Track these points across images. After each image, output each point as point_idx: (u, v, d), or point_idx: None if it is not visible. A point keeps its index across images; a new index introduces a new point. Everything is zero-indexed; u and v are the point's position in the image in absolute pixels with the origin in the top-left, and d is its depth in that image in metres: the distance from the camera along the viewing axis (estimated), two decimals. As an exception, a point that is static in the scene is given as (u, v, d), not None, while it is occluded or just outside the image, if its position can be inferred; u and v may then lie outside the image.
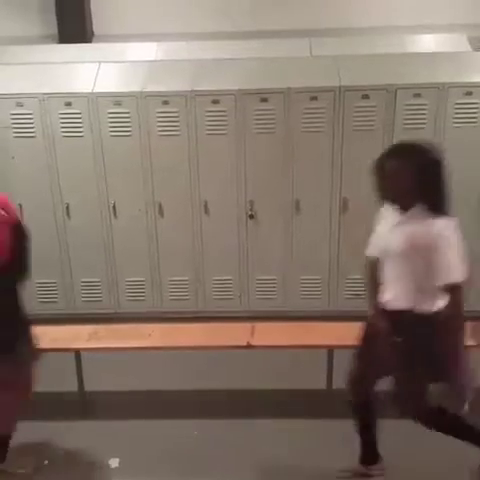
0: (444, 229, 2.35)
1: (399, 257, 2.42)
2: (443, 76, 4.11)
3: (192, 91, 4.15)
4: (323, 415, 3.20)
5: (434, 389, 2.54)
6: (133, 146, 4.26)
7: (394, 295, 2.48)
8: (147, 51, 4.84)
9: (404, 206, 2.42)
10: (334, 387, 3.25)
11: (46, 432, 3.33)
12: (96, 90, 4.20)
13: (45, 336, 3.47)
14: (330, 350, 3.29)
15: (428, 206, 2.37)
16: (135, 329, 3.53)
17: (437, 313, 2.47)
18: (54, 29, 5.69)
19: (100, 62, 4.42)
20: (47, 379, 3.73)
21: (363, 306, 2.69)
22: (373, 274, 2.58)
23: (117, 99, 4.18)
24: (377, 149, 4.11)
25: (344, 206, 4.31)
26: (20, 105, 4.19)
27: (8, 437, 2.90)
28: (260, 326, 3.40)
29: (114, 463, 3.08)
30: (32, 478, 2.92)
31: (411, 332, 2.52)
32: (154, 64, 4.46)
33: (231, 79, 4.21)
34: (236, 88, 4.14)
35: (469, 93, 4.07)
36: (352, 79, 4.15)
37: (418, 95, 4.08)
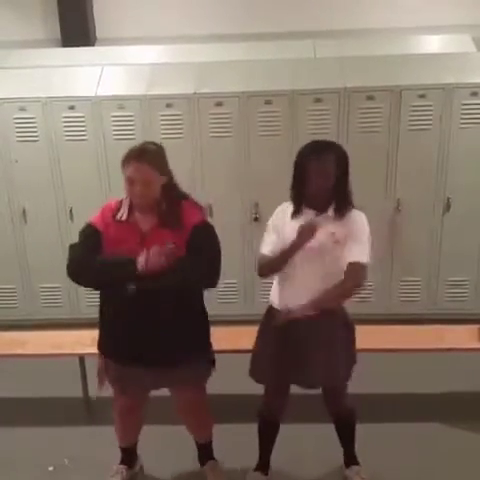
0: (359, 220, 2.42)
1: (319, 254, 2.38)
2: (448, 77, 4.09)
3: (195, 94, 4.13)
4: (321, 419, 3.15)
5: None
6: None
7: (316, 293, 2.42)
8: (150, 54, 4.82)
9: (323, 204, 2.40)
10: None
11: (50, 438, 3.31)
12: (99, 93, 4.19)
13: (49, 341, 3.48)
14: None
15: (340, 201, 2.40)
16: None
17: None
18: (57, 33, 5.70)
19: (103, 65, 4.41)
20: (51, 385, 3.73)
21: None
22: None
23: (120, 102, 4.16)
24: (382, 150, 4.18)
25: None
26: (23, 109, 4.18)
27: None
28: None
29: (119, 469, 3.04)
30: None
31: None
32: (157, 67, 4.44)
33: (235, 81, 4.19)
34: (240, 90, 4.12)
35: (475, 93, 4.04)
36: (357, 80, 4.12)
37: (423, 96, 4.06)
